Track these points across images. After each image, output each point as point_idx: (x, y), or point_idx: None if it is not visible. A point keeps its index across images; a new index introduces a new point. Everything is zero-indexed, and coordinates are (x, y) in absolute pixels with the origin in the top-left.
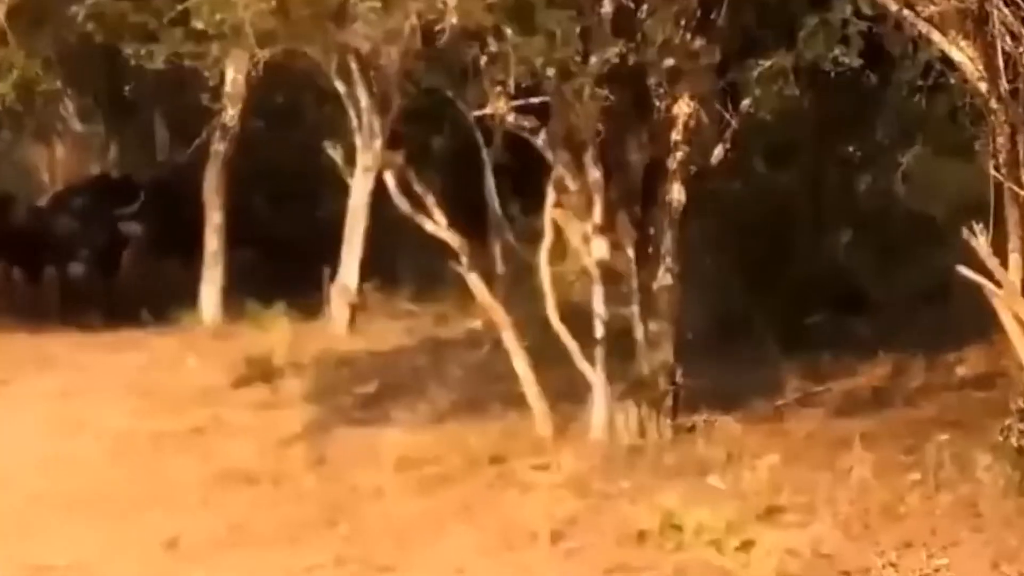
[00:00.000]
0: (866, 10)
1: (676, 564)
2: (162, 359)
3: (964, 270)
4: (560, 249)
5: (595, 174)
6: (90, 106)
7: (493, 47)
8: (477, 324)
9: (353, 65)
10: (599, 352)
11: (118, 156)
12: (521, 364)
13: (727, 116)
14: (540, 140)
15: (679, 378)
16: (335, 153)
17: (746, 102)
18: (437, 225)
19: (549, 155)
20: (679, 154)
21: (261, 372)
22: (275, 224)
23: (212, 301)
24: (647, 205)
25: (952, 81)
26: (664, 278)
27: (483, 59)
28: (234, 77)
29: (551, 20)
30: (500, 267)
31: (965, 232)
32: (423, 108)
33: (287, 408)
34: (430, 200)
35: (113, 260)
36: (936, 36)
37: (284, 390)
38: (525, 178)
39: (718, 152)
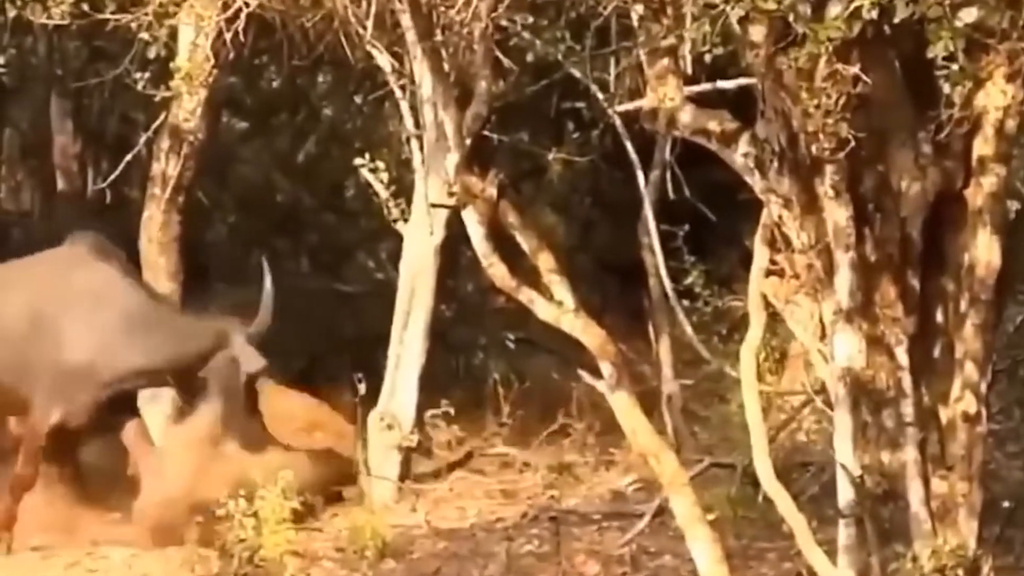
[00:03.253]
0: None
1: None
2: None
3: None
4: (776, 349)
5: (839, 216)
6: None
7: None
8: (627, 481)
9: (406, 19)
10: (845, 532)
11: None
12: (704, 552)
13: None
14: (739, 155)
15: None
16: (375, 178)
17: None
18: (556, 306)
19: (756, 182)
20: (989, 180)
21: (242, 569)
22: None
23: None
24: (931, 271)
25: None
26: (964, 401)
27: (635, 10)
28: (194, 42)
29: None
30: (669, 380)
31: None
32: (531, 100)
33: None
34: (545, 261)
35: None
36: None
37: None
38: (711, 223)
39: None
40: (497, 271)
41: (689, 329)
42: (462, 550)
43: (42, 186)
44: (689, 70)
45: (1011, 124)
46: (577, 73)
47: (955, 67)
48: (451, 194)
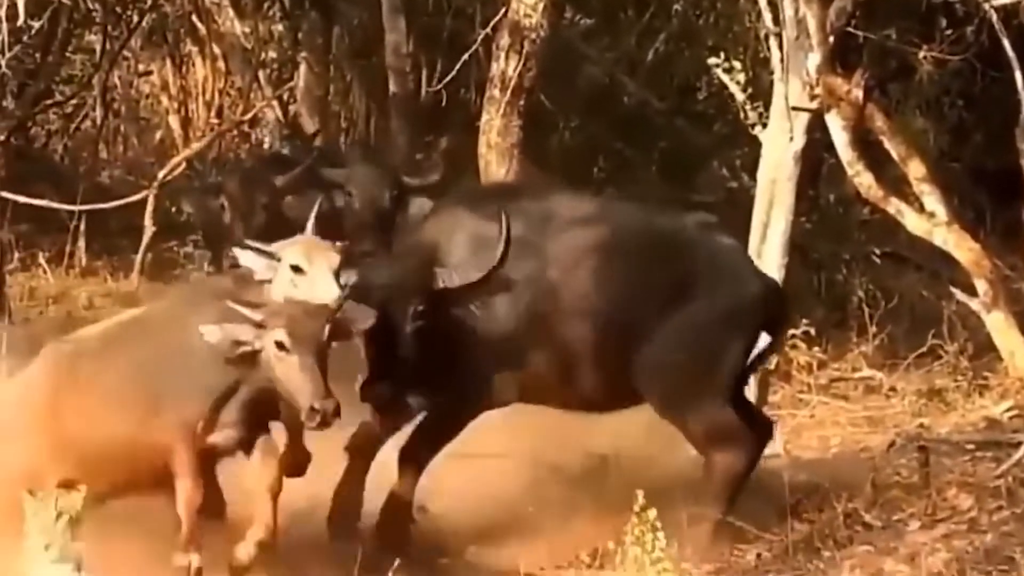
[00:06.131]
0: None
1: None
2: None
3: None
4: None
5: None
6: None
7: None
8: (1002, 408)
9: None
10: None
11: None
12: None
13: None
14: None
15: None
16: (730, 79)
17: None
18: (927, 218)
19: None
20: None
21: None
22: None
23: None
24: None
25: None
26: None
27: None
28: None
29: None
30: None
31: None
32: None
33: None
34: (915, 169)
35: None
36: None
37: None
38: None
39: None
40: (863, 180)
41: None
42: (824, 481)
43: (372, 88)
44: None
45: None
46: None
47: None
48: (813, 96)
